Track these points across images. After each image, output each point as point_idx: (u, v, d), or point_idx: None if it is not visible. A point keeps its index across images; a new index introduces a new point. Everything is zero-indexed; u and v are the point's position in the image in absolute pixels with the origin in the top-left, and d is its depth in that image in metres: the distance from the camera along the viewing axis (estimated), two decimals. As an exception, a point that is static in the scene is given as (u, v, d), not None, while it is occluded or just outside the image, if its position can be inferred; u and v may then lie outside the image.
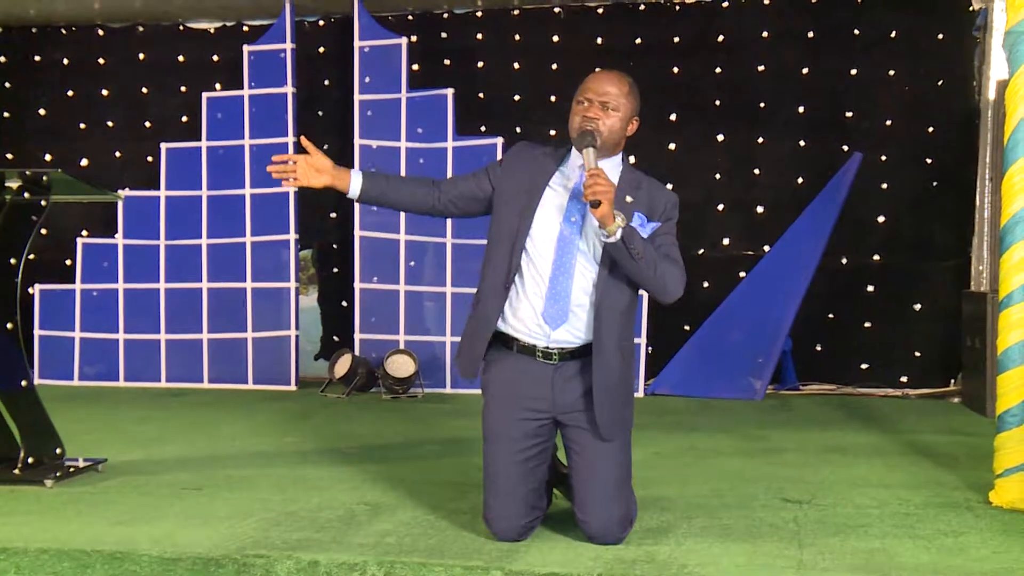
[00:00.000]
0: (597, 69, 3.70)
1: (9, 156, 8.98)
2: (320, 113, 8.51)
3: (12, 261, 4.48)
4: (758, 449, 5.43)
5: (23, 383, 4.51)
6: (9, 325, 4.47)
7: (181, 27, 8.79)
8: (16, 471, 4.45)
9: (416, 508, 4.03)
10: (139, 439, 5.70)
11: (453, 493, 4.26)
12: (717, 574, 3.19)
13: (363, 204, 3.44)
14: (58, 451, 4.66)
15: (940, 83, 7.69)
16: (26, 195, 4.50)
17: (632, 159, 8.16)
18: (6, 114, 9.09)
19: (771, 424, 6.26)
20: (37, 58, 9.04)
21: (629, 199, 3.46)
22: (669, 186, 7.89)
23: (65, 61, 8.98)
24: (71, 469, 4.61)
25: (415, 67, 8.26)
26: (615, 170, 3.54)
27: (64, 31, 8.97)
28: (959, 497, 4.26)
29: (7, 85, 9.09)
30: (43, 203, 4.58)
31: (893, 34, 7.76)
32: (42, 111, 9.02)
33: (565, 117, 8.31)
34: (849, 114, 7.85)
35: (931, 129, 7.71)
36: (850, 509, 4.06)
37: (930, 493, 4.35)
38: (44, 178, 4.52)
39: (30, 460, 4.50)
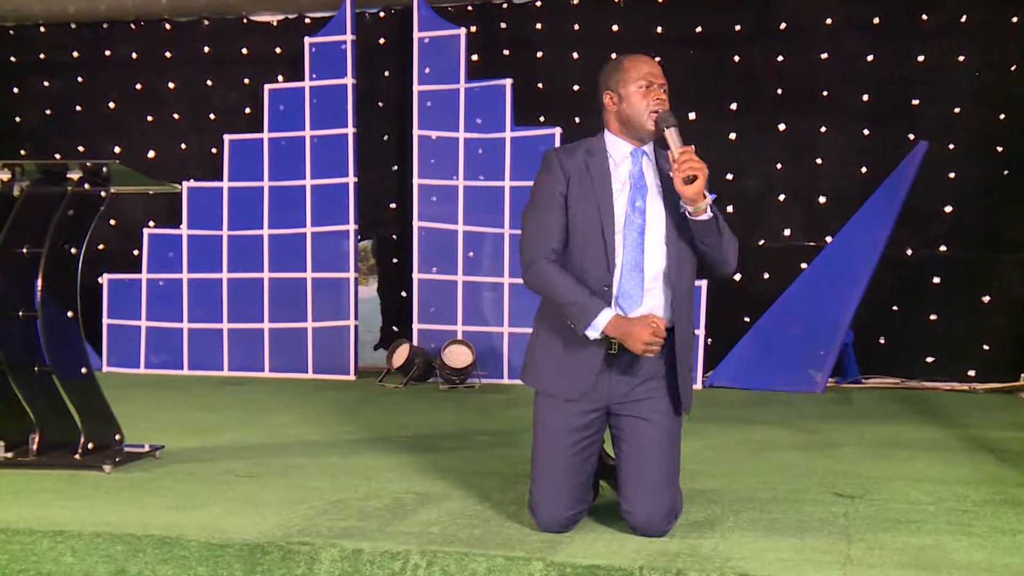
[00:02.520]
0: (636, 54, 3.53)
1: (80, 148, 9.06)
2: (380, 104, 8.44)
3: (73, 251, 4.45)
4: (813, 443, 5.21)
5: (83, 370, 4.47)
6: (70, 313, 4.43)
7: (245, 20, 8.78)
8: (77, 456, 4.43)
9: (464, 498, 3.91)
10: (197, 427, 5.66)
11: (501, 484, 4.13)
12: (761, 568, 3.01)
13: None
14: (117, 437, 4.63)
15: (1013, 68, 7.38)
16: (87, 186, 4.47)
17: (692, 148, 7.98)
18: (78, 107, 9.16)
19: (829, 417, 6.03)
20: (107, 53, 9.09)
21: (672, 175, 3.32)
22: (729, 176, 7.87)
23: (134, 55, 9.03)
24: (129, 455, 4.57)
25: (474, 58, 8.17)
26: (652, 151, 3.43)
27: (133, 26, 9.01)
28: (1020, 494, 4.01)
29: (79, 80, 9.16)
30: (103, 194, 4.55)
31: (963, 18, 7.46)
32: (112, 104, 9.08)
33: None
34: (916, 102, 7.56)
35: (1002, 116, 7.41)
36: (903, 504, 3.84)
37: (990, 490, 4.10)
38: (104, 170, 4.48)
39: (90, 446, 4.46)
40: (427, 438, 5.35)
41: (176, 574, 3.30)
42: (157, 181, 4.85)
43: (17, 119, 9.30)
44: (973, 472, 4.47)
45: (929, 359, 7.55)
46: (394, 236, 8.47)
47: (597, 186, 3.35)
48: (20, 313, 4.31)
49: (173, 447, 4.90)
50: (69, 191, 4.40)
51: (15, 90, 9.29)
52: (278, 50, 8.66)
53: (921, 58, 7.55)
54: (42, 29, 9.17)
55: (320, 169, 7.99)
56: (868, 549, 3.23)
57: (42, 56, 9.23)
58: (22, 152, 9.20)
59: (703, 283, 7.44)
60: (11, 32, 9.24)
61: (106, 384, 7.19)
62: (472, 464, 4.58)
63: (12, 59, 9.28)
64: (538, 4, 8.24)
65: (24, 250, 4.34)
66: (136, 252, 8.50)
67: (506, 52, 8.27)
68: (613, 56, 7.94)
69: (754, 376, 7.36)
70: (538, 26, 8.24)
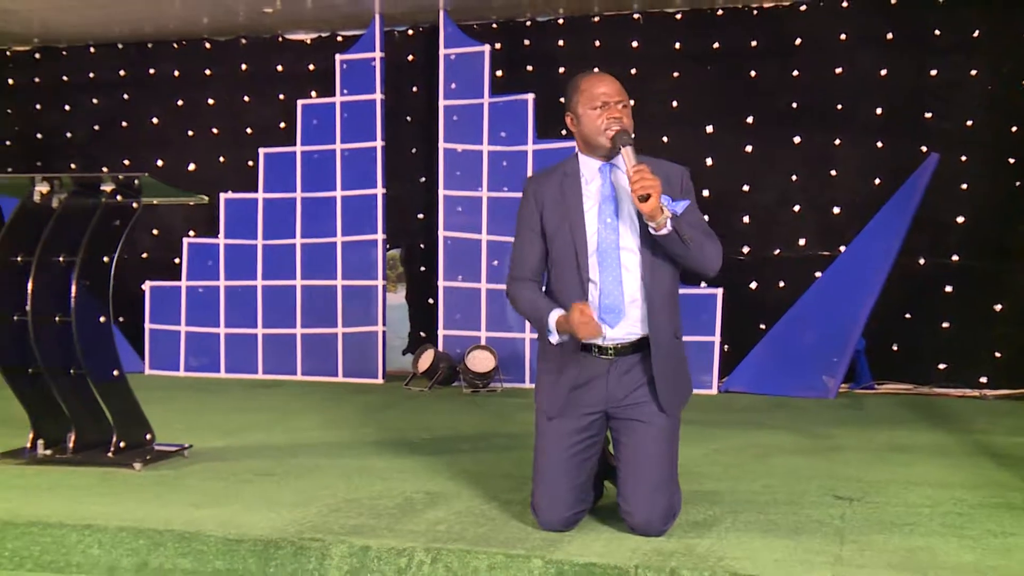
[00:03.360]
0: (596, 70, 3.58)
1: (126, 162, 9.19)
2: (408, 118, 8.49)
3: (105, 259, 4.55)
4: (820, 447, 5.20)
5: (115, 372, 4.57)
6: (102, 318, 4.52)
7: (280, 39, 8.88)
8: (109, 454, 4.53)
9: (472, 498, 3.95)
10: (226, 427, 5.76)
11: (510, 484, 4.17)
12: (753, 568, 3.03)
13: None
14: (148, 436, 4.73)
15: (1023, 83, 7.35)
16: (119, 198, 4.57)
17: (709, 161, 8.02)
18: (124, 123, 9.29)
19: (839, 422, 6.00)
20: (151, 71, 9.22)
21: None
22: (745, 188, 7.87)
23: (176, 73, 9.15)
24: (159, 453, 4.66)
25: (499, 73, 8.22)
26: (623, 162, 3.43)
27: (176, 45, 9.14)
28: (1019, 499, 3.99)
29: (125, 97, 9.30)
30: (135, 205, 4.65)
31: (975, 33, 7.42)
32: (155, 120, 9.20)
33: (644, 121, 8.23)
34: (928, 115, 7.50)
35: (1014, 129, 7.35)
36: (900, 508, 3.84)
37: (988, 493, 4.09)
38: (136, 182, 4.58)
39: (122, 444, 4.57)
40: (444, 440, 5.40)
41: (194, 567, 3.39)
42: (186, 192, 4.94)
43: (68, 134, 9.46)
44: (972, 476, 4.45)
45: (941, 366, 7.49)
46: (421, 245, 8.52)
47: (571, 208, 3.40)
48: (56, 318, 4.42)
49: (202, 447, 5.00)
50: (102, 202, 4.49)
51: (66, 107, 9.45)
52: (311, 67, 8.75)
53: (934, 72, 7.50)
54: (92, 50, 9.33)
55: (350, 181, 8.08)
56: (860, 550, 3.24)
57: (91, 75, 9.37)
58: (72, 166, 9.36)
59: (719, 291, 7.45)
60: (64, 53, 9.41)
61: (147, 386, 7.38)
62: (484, 465, 4.63)
63: (64, 78, 9.44)
64: (560, 22, 8.27)
65: (60, 258, 4.45)
66: (177, 260, 8.62)
67: (529, 68, 8.31)
68: (632, 72, 8.06)
69: (768, 382, 7.34)
70: (560, 43, 8.28)
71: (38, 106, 9.54)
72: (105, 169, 9.15)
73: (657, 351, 3.35)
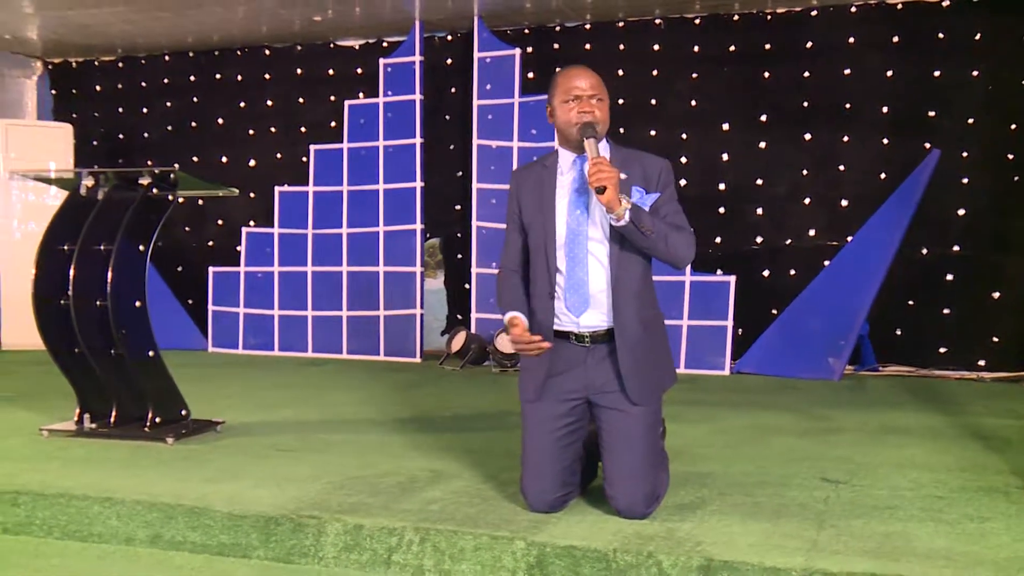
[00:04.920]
0: (573, 67, 3.26)
1: (195, 159, 9.09)
2: (447, 117, 8.29)
3: (141, 248, 4.41)
4: (817, 428, 4.91)
5: (150, 353, 4.43)
6: (138, 303, 4.39)
7: (331, 45, 8.72)
8: (145, 429, 4.41)
9: (472, 477, 3.74)
10: (265, 403, 5.61)
11: (511, 463, 3.92)
12: (728, 552, 2.79)
13: None
14: (183, 413, 4.59)
15: (1023, 83, 6.91)
16: (155, 191, 4.43)
17: (725, 157, 7.73)
18: (193, 124, 9.21)
19: (840, 404, 5.70)
20: (217, 76, 9.12)
21: (624, 175, 3.08)
22: (759, 182, 7.56)
23: (239, 78, 9.04)
24: (192, 429, 4.52)
25: (530, 75, 7.98)
26: (604, 152, 3.16)
27: (239, 52, 9.03)
28: (1000, 482, 3.71)
29: (194, 100, 9.21)
30: (169, 198, 4.51)
31: (977, 37, 7.03)
32: (220, 120, 9.11)
33: (665, 119, 7.95)
34: (931, 114, 7.13)
35: (1013, 127, 6.96)
36: (884, 490, 3.56)
37: (972, 476, 3.80)
38: (171, 176, 4.45)
39: (157, 420, 4.44)
40: (463, 418, 5.21)
41: (202, 540, 3.24)
42: (217, 185, 4.78)
43: (145, 135, 9.41)
44: (958, 459, 4.16)
45: (942, 350, 7.14)
46: (459, 234, 8.32)
47: (545, 199, 3.18)
48: (97, 303, 4.29)
49: (237, 421, 4.86)
50: (140, 195, 4.35)
51: (144, 110, 9.40)
52: (359, 70, 8.57)
53: (937, 73, 7.12)
54: (167, 58, 9.26)
55: (392, 175, 7.91)
56: (837, 535, 2.99)
57: (165, 81, 9.31)
58: (148, 162, 9.26)
59: (731, 279, 7.17)
60: (143, 61, 9.36)
61: (208, 363, 7.30)
62: (493, 444, 4.41)
63: (142, 84, 9.39)
64: (587, 27, 8.00)
65: (101, 247, 4.32)
66: (238, 248, 8.52)
67: (559, 70, 7.99)
68: (654, 73, 7.77)
69: (777, 364, 7.05)
70: (587, 46, 8.01)
71: (120, 110, 9.50)
72: (176, 165, 9.07)
73: (623, 343, 3.09)
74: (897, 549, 2.85)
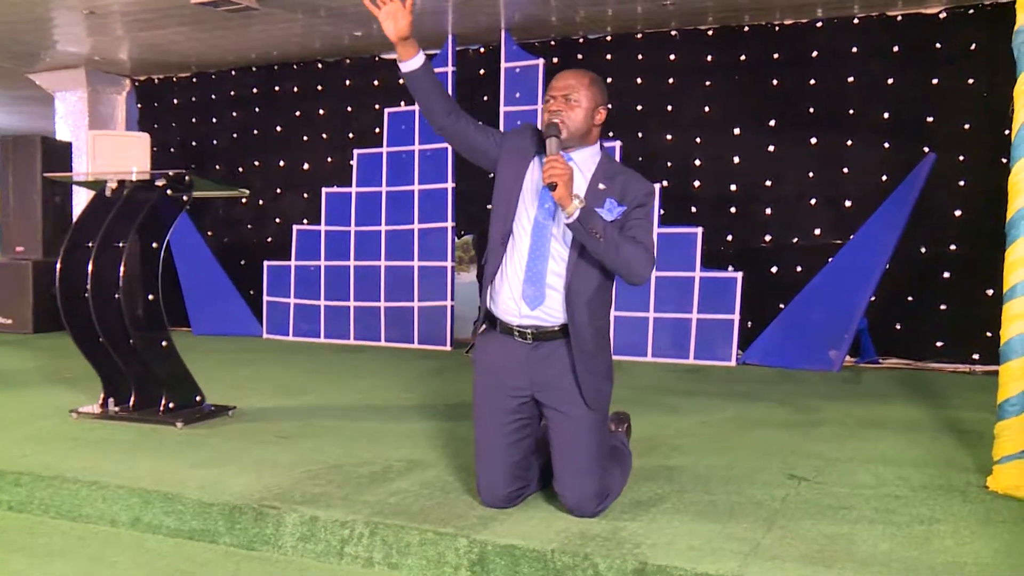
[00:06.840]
0: (565, 70, 3.00)
1: (256, 163, 8.96)
2: (479, 123, 7.99)
3: (154, 245, 4.23)
4: (800, 421, 4.52)
5: (163, 343, 4.25)
6: (151, 296, 4.21)
7: (376, 58, 8.49)
8: (160, 413, 4.23)
9: (444, 468, 3.44)
10: (288, 388, 5.36)
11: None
12: (665, 556, 2.48)
13: (407, 83, 2.86)
14: (197, 398, 4.40)
15: (1015, 90, 6.37)
16: (169, 192, 4.24)
17: (736, 159, 7.30)
18: (255, 131, 9.07)
19: (831, 396, 5.29)
20: (276, 88, 8.96)
21: (602, 186, 2.79)
22: (768, 183, 7.12)
23: (295, 89, 8.86)
24: (204, 414, 4.29)
25: (553, 85, 7.64)
26: (592, 159, 2.87)
27: (295, 66, 8.84)
28: (961, 480, 3.32)
29: (256, 110, 9.06)
30: (184, 198, 4.31)
31: (973, 47, 6.51)
32: (279, 128, 8.95)
33: (680, 125, 7.55)
34: (930, 119, 6.62)
35: (1007, 132, 6.39)
36: (845, 488, 3.20)
37: (935, 473, 3.42)
38: (186, 178, 4.24)
39: (171, 405, 4.25)
40: (462, 406, 4.90)
41: (176, 526, 3.04)
42: (231, 187, 4.57)
43: (214, 142, 9.29)
44: (929, 453, 3.77)
45: (939, 343, 6.64)
46: (489, 232, 8.03)
47: (520, 172, 2.87)
48: (116, 296, 4.11)
49: (253, 406, 4.64)
50: (155, 196, 4.16)
51: (213, 120, 9.29)
52: (400, 81, 8.29)
53: (935, 81, 6.61)
54: (233, 73, 9.15)
55: (426, 177, 7.65)
56: (781, 538, 2.65)
57: (232, 93, 9.19)
58: (216, 167, 9.20)
59: (739, 275, 6.77)
60: (213, 77, 9.25)
61: (260, 348, 7.12)
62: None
63: (212, 97, 9.29)
64: (608, 38, 7.63)
65: (119, 244, 4.14)
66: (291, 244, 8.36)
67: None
68: (670, 81, 7.38)
69: (781, 355, 6.63)
70: (608, 56, 7.64)
71: (193, 120, 9.40)
72: (240, 169, 8.98)
73: (576, 344, 2.79)
74: (836, 553, 2.51)
